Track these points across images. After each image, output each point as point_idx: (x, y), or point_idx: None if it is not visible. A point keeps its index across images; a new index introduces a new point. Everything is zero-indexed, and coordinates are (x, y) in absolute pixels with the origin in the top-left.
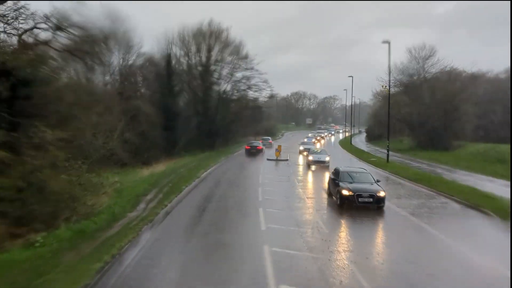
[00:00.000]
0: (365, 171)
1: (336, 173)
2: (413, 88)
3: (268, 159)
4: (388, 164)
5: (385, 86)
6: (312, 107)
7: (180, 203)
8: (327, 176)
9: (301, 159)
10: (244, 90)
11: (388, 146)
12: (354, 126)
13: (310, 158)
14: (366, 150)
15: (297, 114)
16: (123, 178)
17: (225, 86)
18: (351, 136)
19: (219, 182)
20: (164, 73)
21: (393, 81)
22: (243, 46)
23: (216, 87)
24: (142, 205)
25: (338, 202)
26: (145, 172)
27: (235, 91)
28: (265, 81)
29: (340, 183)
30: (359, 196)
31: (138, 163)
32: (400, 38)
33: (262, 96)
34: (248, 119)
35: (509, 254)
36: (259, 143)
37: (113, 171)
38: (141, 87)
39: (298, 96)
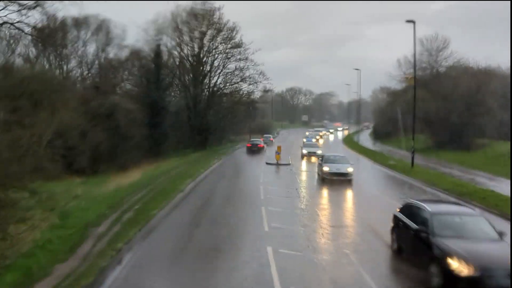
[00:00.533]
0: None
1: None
2: (430, 82)
3: (267, 163)
4: (414, 170)
5: (409, 76)
6: (308, 103)
7: (145, 240)
8: (350, 194)
9: (305, 164)
10: (237, 82)
11: (413, 148)
12: (357, 123)
13: (326, 169)
14: (376, 150)
15: (292, 111)
16: (84, 191)
17: (217, 79)
18: (354, 134)
19: (207, 200)
20: (152, 66)
21: (403, 76)
22: (237, 31)
23: (207, 80)
24: (86, 246)
25: None
26: (116, 182)
27: (228, 84)
28: (261, 73)
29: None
30: None
31: (113, 168)
32: (397, 34)
33: (258, 89)
34: (242, 115)
35: None
36: (260, 141)
37: (74, 181)
38: (123, 81)
39: (294, 92)
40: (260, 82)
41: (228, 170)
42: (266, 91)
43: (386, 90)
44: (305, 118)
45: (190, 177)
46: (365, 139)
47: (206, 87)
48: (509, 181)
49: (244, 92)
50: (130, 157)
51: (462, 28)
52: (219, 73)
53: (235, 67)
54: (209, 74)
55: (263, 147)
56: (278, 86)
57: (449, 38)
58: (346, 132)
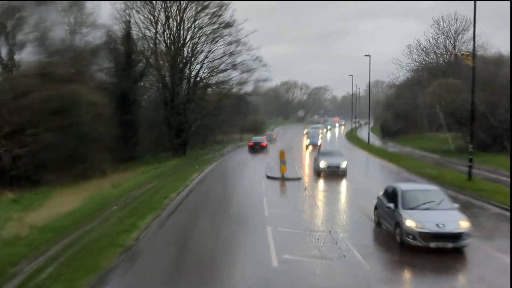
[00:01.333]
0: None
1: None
2: (453, 70)
3: (268, 177)
4: (477, 185)
5: (467, 56)
6: (304, 97)
7: None
8: None
9: (322, 182)
10: (226, 70)
11: (471, 155)
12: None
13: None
14: (396, 152)
15: (286, 106)
16: None
17: (201, 66)
18: (354, 130)
19: (176, 271)
20: (121, 50)
21: (412, 64)
22: (227, 8)
23: (188, 68)
24: None
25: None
26: (52, 206)
27: (214, 73)
28: (258, 59)
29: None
30: None
31: (67, 178)
32: (388, 29)
33: (253, 79)
34: (231, 111)
35: None
36: (263, 139)
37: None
38: (91, 68)
39: (289, 85)
40: (256, 69)
41: (216, 190)
42: (264, 80)
43: (394, 81)
44: (301, 113)
45: (153, 208)
46: (371, 136)
47: (187, 76)
48: None
49: (234, 82)
50: (93, 164)
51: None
52: (204, 59)
53: (224, 51)
54: (190, 60)
55: (266, 145)
56: (270, 81)
57: (470, 18)
58: (342, 128)
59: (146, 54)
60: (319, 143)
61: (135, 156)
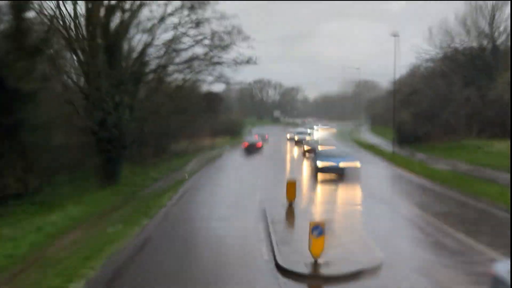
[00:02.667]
0: None
1: None
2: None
3: (282, 269)
4: None
5: None
6: (277, 98)
7: None
8: None
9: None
10: (184, 49)
11: None
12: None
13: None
14: (443, 169)
15: (260, 106)
16: None
17: (143, 45)
18: (352, 133)
19: None
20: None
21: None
22: None
23: (126, 47)
24: None
25: None
26: None
27: (165, 55)
28: (236, 29)
29: None
30: None
31: None
32: (357, 31)
33: (230, 59)
34: (199, 109)
35: None
36: (257, 140)
37: None
38: None
39: (262, 84)
40: (234, 44)
41: None
42: (246, 62)
43: (417, 70)
44: (277, 114)
45: None
46: (376, 140)
47: (127, 62)
48: None
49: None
50: None
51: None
52: (154, 32)
53: (180, 21)
54: (125, 36)
55: (262, 146)
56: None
57: None
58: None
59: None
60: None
61: (26, 192)
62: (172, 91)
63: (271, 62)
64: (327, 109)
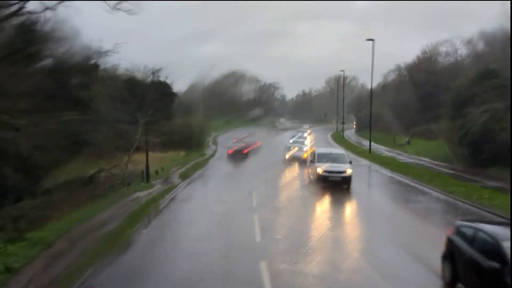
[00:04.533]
0: None
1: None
2: None
3: None
4: None
5: None
6: (252, 95)
7: None
8: None
9: None
10: None
11: None
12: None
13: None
14: None
15: (231, 104)
16: None
17: None
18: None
19: None
20: None
21: None
22: None
23: None
24: None
25: None
26: None
27: None
28: None
29: None
30: None
31: None
32: (321, 31)
33: None
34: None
35: None
36: (242, 146)
37: None
38: None
39: (236, 78)
40: None
41: None
42: None
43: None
44: (257, 112)
45: None
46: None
47: None
48: None
49: None
50: None
51: (386, 25)
52: None
53: None
54: None
55: (247, 152)
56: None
57: None
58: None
59: None
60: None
61: None
62: None
63: (247, 60)
64: (307, 109)
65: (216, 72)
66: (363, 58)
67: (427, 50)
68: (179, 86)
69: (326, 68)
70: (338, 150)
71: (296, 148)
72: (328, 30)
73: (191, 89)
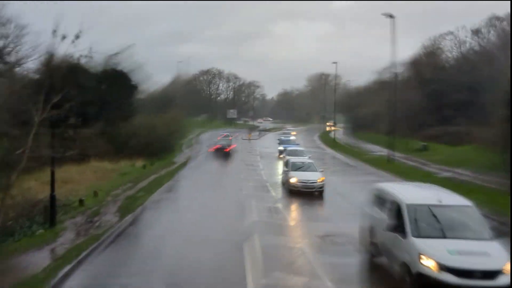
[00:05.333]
0: None
1: None
2: None
3: None
4: None
5: None
6: (229, 95)
7: None
8: None
9: None
10: None
11: None
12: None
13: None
14: None
15: (207, 103)
16: None
17: None
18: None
19: None
20: None
21: None
22: None
23: None
24: None
25: None
26: None
27: None
28: None
29: None
30: None
31: None
32: (299, 31)
33: None
34: None
35: None
36: (225, 144)
37: None
38: None
39: (212, 75)
40: None
41: None
42: None
43: None
44: (232, 113)
45: None
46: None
47: None
48: None
49: None
50: None
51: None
52: None
53: None
54: None
55: (229, 150)
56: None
57: None
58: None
59: None
60: None
61: None
62: None
63: (224, 60)
64: (288, 109)
65: (193, 69)
66: (342, 58)
67: (430, 44)
68: (152, 85)
69: (305, 69)
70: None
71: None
72: (305, 30)
73: (164, 88)
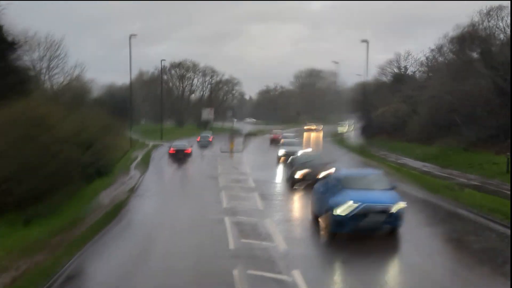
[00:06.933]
0: None
1: None
2: None
3: None
4: None
5: None
6: (205, 92)
7: None
8: None
9: None
10: None
11: None
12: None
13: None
14: None
15: (178, 104)
16: None
17: None
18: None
19: None
20: None
21: None
22: None
23: None
24: None
25: None
26: None
27: None
28: None
29: None
30: None
31: None
32: (275, 32)
33: None
34: None
35: None
36: (185, 145)
37: None
38: None
39: (185, 68)
40: None
41: None
42: None
43: None
44: (208, 114)
45: None
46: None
47: None
48: None
49: None
50: None
51: (339, 28)
52: None
53: None
54: None
55: (190, 152)
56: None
57: None
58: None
59: None
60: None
61: None
62: None
63: (200, 60)
64: (271, 108)
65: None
66: (315, 61)
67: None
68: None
69: (283, 69)
70: None
71: None
72: (281, 32)
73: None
